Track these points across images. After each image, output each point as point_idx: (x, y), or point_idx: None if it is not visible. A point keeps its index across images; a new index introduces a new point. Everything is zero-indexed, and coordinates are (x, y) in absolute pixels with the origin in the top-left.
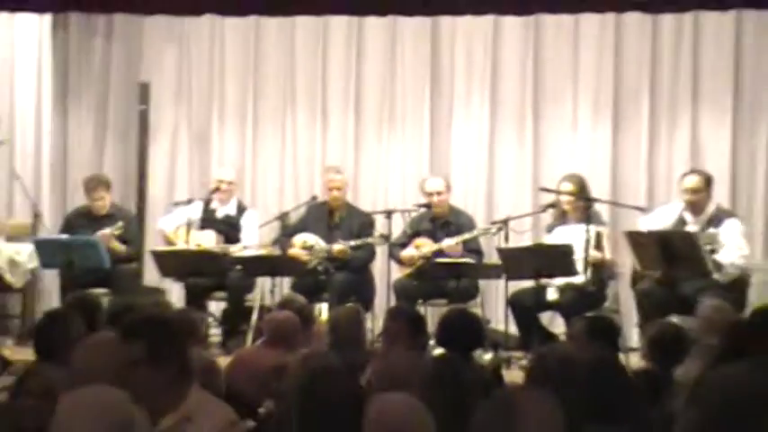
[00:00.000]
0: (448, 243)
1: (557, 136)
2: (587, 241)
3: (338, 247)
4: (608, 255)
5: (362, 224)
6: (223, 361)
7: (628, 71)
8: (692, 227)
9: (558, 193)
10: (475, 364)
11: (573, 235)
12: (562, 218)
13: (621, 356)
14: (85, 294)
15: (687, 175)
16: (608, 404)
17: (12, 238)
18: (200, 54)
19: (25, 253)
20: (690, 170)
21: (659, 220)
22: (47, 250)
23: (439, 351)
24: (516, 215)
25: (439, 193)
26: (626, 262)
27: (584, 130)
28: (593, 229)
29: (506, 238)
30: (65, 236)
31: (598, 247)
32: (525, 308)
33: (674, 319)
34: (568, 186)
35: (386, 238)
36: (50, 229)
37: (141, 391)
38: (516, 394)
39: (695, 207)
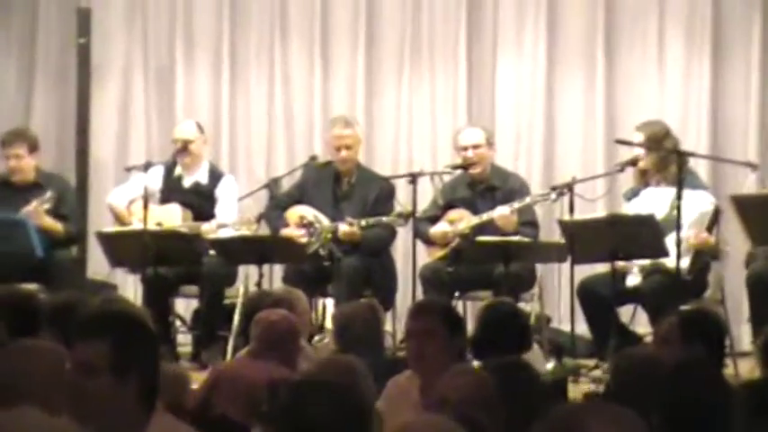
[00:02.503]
0: (500, 212)
1: (637, 75)
2: (704, 215)
3: (344, 228)
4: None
5: (379, 193)
6: (196, 377)
7: None
8: None
9: (634, 144)
10: (529, 376)
11: (659, 202)
12: (643, 180)
13: (728, 363)
14: (9, 290)
15: None
16: (705, 426)
17: None
18: None
19: None
20: None
21: None
22: None
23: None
24: (584, 177)
25: (476, 147)
26: (731, 238)
27: (674, 66)
28: (706, 197)
29: (571, 209)
30: None
31: (710, 227)
32: (599, 300)
33: None
34: (639, 137)
35: (406, 216)
36: None
37: (94, 413)
38: (582, 413)
39: None
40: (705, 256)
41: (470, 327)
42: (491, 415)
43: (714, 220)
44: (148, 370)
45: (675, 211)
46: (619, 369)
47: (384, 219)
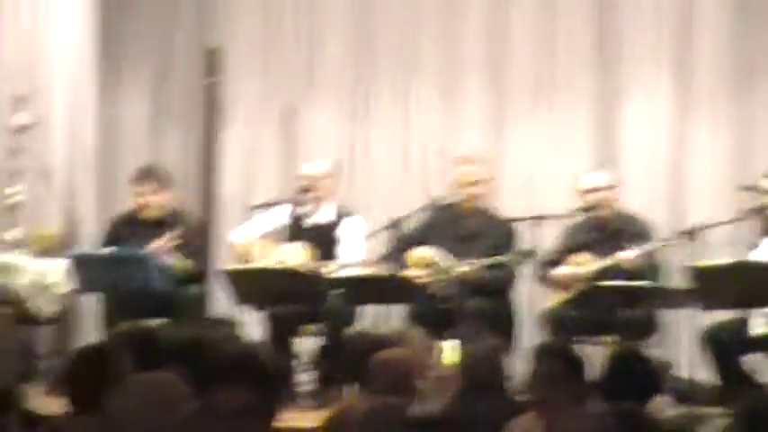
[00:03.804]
0: (625, 255)
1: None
2: None
3: (464, 268)
4: None
5: (502, 235)
6: (316, 416)
7: None
8: None
9: (760, 192)
10: (654, 423)
11: None
12: (765, 228)
13: None
14: (137, 325)
15: None
16: None
17: (40, 253)
18: (289, 10)
19: (57, 273)
20: None
21: None
22: (85, 269)
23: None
24: (711, 223)
25: (598, 190)
26: None
27: None
28: None
29: (695, 255)
30: (108, 249)
31: None
32: (725, 347)
33: None
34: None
35: (528, 254)
36: (91, 240)
37: None
38: None
39: None
40: None
41: (591, 371)
42: None
43: None
44: (277, 411)
45: None
46: (747, 414)
47: (503, 258)
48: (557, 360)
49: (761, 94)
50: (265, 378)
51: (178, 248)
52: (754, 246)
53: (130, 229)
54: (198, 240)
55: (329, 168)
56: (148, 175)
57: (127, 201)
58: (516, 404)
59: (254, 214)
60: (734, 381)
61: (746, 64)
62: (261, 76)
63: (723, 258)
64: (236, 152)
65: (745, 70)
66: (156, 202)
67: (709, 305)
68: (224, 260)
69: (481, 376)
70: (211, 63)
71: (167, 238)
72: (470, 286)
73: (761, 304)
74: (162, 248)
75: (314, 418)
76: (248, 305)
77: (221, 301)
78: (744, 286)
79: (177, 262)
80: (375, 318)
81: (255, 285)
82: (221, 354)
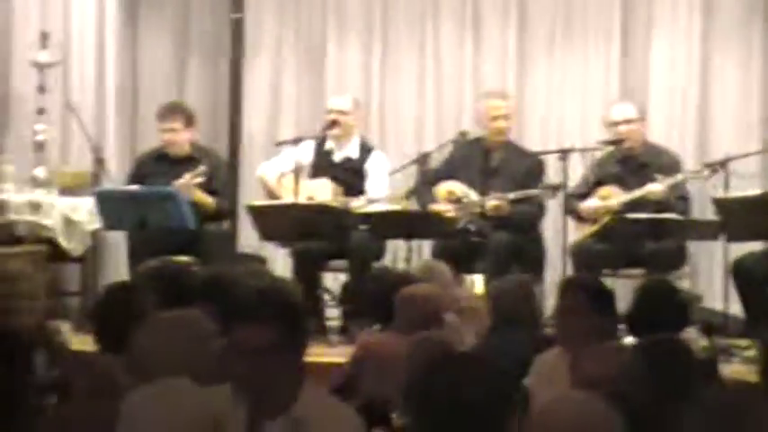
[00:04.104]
0: (652, 188)
1: None
2: None
3: (492, 202)
4: None
5: (529, 169)
6: (344, 352)
7: None
8: None
9: None
10: (686, 355)
11: None
12: None
13: None
14: (164, 263)
15: None
16: None
17: (67, 191)
18: None
19: (84, 210)
20: None
21: None
22: (112, 206)
23: (629, 339)
24: (738, 155)
25: (628, 122)
26: None
27: None
28: None
29: (726, 186)
30: (134, 187)
31: None
32: (754, 279)
33: None
34: None
35: (556, 187)
36: (116, 178)
37: (256, 388)
38: (744, 394)
39: None
40: None
41: (620, 304)
42: (641, 393)
43: None
44: (305, 347)
45: None
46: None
47: (531, 192)
48: (584, 293)
49: None
50: (291, 314)
51: (204, 185)
52: None
53: (157, 166)
54: (224, 177)
55: (355, 103)
56: (174, 111)
57: (152, 139)
58: (546, 339)
59: (280, 150)
60: (763, 312)
61: None
62: (285, 12)
63: (751, 190)
64: (261, 89)
65: None
66: (182, 138)
67: (736, 237)
68: (251, 196)
69: (512, 311)
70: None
71: (193, 174)
72: (498, 220)
73: None
74: (188, 185)
75: (341, 353)
76: (275, 241)
77: (248, 238)
78: None
79: (204, 198)
80: (403, 252)
81: (283, 221)
82: (247, 290)
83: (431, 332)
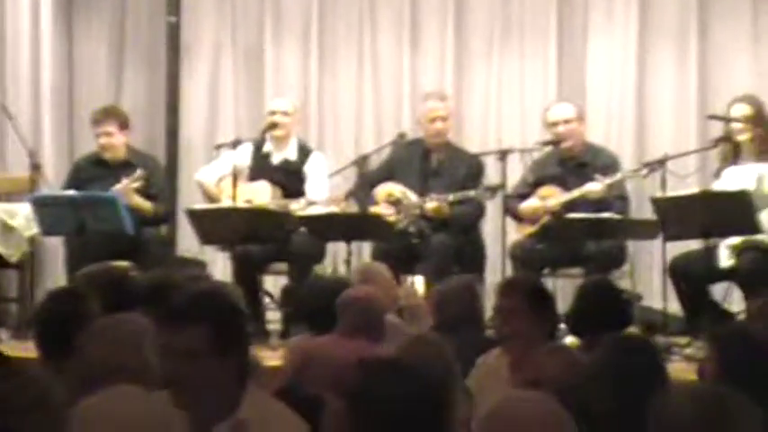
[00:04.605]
0: (591, 188)
1: (730, 50)
2: None
3: (432, 204)
4: None
5: (469, 170)
6: (284, 356)
7: None
8: None
9: (729, 120)
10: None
11: (751, 177)
12: (734, 156)
13: None
14: (104, 268)
15: None
16: None
17: (4, 196)
18: None
19: (22, 216)
20: None
21: None
22: (49, 212)
23: (570, 339)
24: (676, 154)
25: (567, 122)
26: None
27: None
28: None
29: (663, 185)
30: (72, 192)
31: None
32: (691, 278)
33: None
34: (743, 109)
35: (495, 188)
36: (53, 183)
37: (192, 395)
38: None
39: None
40: None
41: (561, 304)
42: (592, 393)
43: None
44: (243, 350)
45: (764, 186)
46: (718, 345)
47: (470, 193)
48: (523, 295)
49: (722, 27)
50: (227, 315)
51: (142, 190)
52: (718, 175)
53: (94, 170)
54: (162, 181)
55: (295, 105)
56: (108, 115)
57: (90, 143)
58: (489, 340)
59: (219, 153)
60: (702, 311)
61: None
62: (222, 15)
63: (689, 189)
64: (199, 92)
65: (706, 3)
66: (117, 142)
67: (674, 235)
68: (189, 200)
69: (456, 312)
70: (171, 2)
71: (131, 179)
72: (438, 222)
73: (724, 234)
74: (127, 189)
75: (281, 356)
76: (215, 245)
77: (187, 242)
78: (707, 216)
79: (142, 203)
80: (343, 255)
81: (222, 225)
82: (181, 293)
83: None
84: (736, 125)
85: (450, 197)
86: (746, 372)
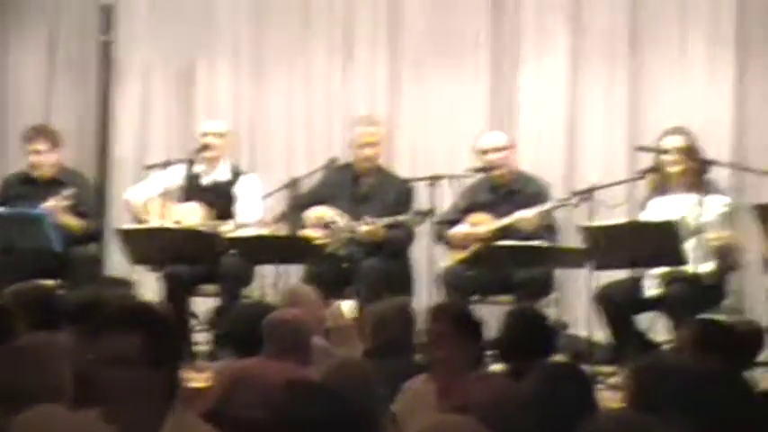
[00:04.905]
0: (521, 215)
1: (660, 82)
2: (723, 215)
3: (366, 227)
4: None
5: (399, 195)
6: (211, 377)
7: None
8: None
9: (660, 152)
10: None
11: (677, 208)
12: (662, 187)
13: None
14: (31, 286)
15: None
16: None
17: None
18: None
19: None
20: None
21: None
22: None
23: (498, 366)
24: (605, 184)
25: (497, 150)
26: (752, 247)
27: (697, 73)
28: (719, 199)
29: (591, 215)
30: (1, 208)
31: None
32: (617, 307)
33: None
34: (676, 141)
35: (426, 214)
36: None
37: (119, 405)
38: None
39: None
40: (727, 263)
41: (490, 331)
42: (520, 420)
43: (730, 220)
44: (175, 366)
45: (690, 218)
46: (639, 375)
47: (401, 218)
48: (451, 321)
49: (652, 57)
50: (160, 328)
51: (72, 208)
52: (644, 206)
53: (23, 188)
54: (92, 200)
55: (228, 127)
56: (39, 133)
57: (21, 160)
58: (420, 366)
59: (149, 174)
60: (628, 340)
61: (636, 26)
62: (155, 35)
63: (617, 218)
64: (131, 111)
65: (635, 33)
66: (48, 160)
67: (601, 265)
68: (119, 220)
69: (391, 336)
70: (106, 20)
71: (61, 197)
72: (368, 246)
73: (651, 264)
74: (56, 208)
75: (207, 378)
76: (144, 265)
77: (116, 262)
78: (634, 246)
79: (71, 221)
80: (272, 278)
81: (151, 245)
82: (121, 303)
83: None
84: (667, 156)
85: (380, 222)
86: (659, 402)
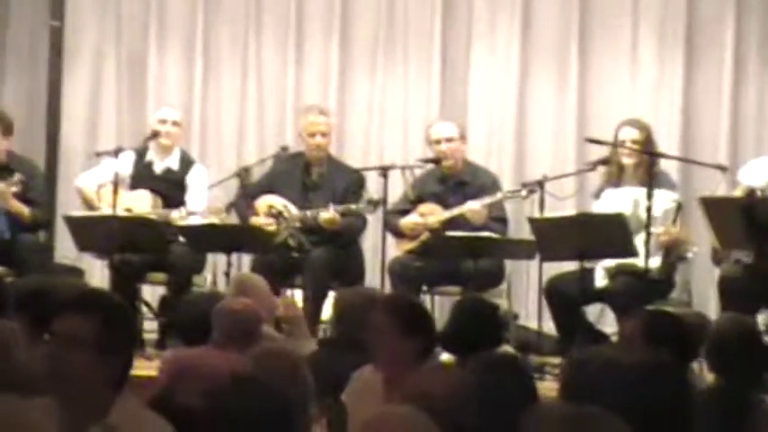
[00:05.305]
0: (470, 206)
1: (610, 75)
2: (668, 212)
3: (326, 214)
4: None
5: (349, 184)
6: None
7: None
8: None
9: (615, 145)
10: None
11: (629, 201)
12: (616, 178)
13: (696, 367)
14: None
15: None
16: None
17: None
18: None
19: None
20: None
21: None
22: None
23: (446, 356)
24: (555, 175)
25: (449, 140)
26: (699, 239)
27: (647, 67)
28: (666, 194)
29: (541, 206)
30: None
31: (674, 220)
32: (566, 299)
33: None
34: (632, 134)
35: (377, 203)
36: None
37: (69, 387)
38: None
39: None
40: (673, 256)
41: (439, 321)
42: (466, 411)
43: (677, 216)
44: (127, 352)
45: (640, 211)
46: (574, 367)
47: (353, 206)
48: (396, 312)
49: (602, 50)
50: (114, 312)
51: (20, 195)
52: (598, 196)
53: None
54: (40, 187)
55: (180, 115)
56: None
57: None
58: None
59: (99, 161)
60: (576, 331)
61: (587, 21)
62: (106, 21)
63: (567, 210)
64: (80, 98)
65: (586, 27)
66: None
67: (551, 256)
68: (68, 207)
69: (357, 324)
70: (55, 6)
71: (8, 183)
72: (318, 235)
73: (600, 256)
74: (3, 194)
75: (156, 366)
76: (93, 252)
77: (65, 249)
78: (584, 238)
79: (21, 208)
80: (223, 266)
81: (101, 233)
82: (77, 287)
83: (273, 344)
84: (622, 150)
85: (331, 209)
86: (587, 395)
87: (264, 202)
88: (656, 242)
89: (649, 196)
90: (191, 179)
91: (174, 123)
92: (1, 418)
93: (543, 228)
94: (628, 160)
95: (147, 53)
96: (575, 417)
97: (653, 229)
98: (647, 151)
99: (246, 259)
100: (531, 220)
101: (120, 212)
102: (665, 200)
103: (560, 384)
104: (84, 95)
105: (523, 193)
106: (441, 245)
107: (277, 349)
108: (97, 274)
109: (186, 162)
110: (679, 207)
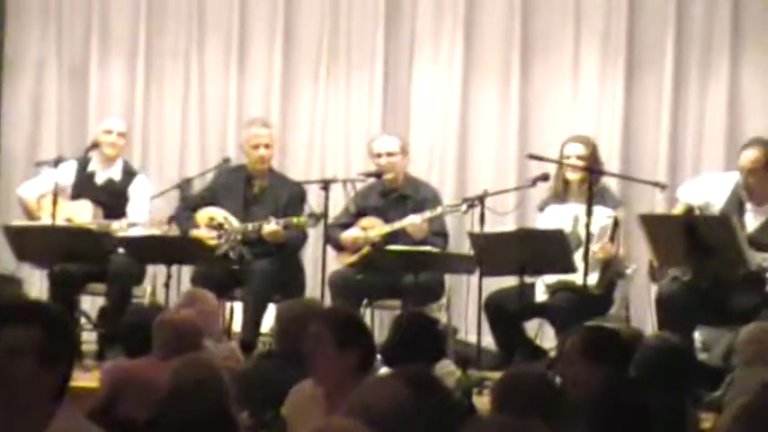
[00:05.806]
0: (411, 220)
1: (551, 91)
2: (604, 228)
3: (270, 227)
4: (621, 247)
5: (291, 197)
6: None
7: (647, 4)
8: (751, 217)
9: (556, 162)
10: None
11: (568, 217)
12: (562, 194)
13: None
14: None
15: (745, 149)
16: None
17: None
18: None
19: None
20: (750, 141)
21: (709, 190)
22: None
23: (384, 370)
24: (496, 191)
25: (390, 154)
26: (638, 256)
27: (588, 83)
28: (604, 211)
29: (482, 221)
30: None
31: (612, 237)
32: (505, 314)
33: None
34: (578, 149)
35: (318, 216)
36: None
37: (8, 398)
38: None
39: (755, 192)
40: (612, 272)
41: (378, 335)
42: (406, 425)
43: (614, 232)
44: (67, 364)
45: (579, 228)
46: (505, 384)
47: (294, 219)
48: (331, 326)
49: (544, 66)
50: (60, 327)
51: None
52: (542, 209)
53: None
54: None
55: (125, 126)
56: None
57: None
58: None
59: (40, 170)
60: (515, 346)
61: (529, 37)
62: (47, 30)
63: (507, 226)
64: (22, 107)
65: (528, 42)
66: None
67: (490, 271)
68: (8, 216)
69: (297, 337)
70: None
71: None
72: (259, 247)
73: (539, 272)
74: None
75: (97, 378)
76: (32, 262)
77: (3, 259)
78: (523, 253)
79: None
80: (163, 277)
81: (40, 242)
82: (17, 298)
83: (192, 355)
84: (567, 164)
85: (273, 221)
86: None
87: (206, 213)
88: (593, 259)
89: (589, 213)
90: (133, 190)
91: (120, 134)
92: None
93: (483, 242)
94: (573, 176)
95: (89, 63)
96: (511, 426)
97: (591, 246)
98: (587, 168)
99: (187, 271)
100: (472, 235)
101: (61, 222)
102: (602, 216)
103: (491, 400)
104: (25, 106)
105: (463, 207)
106: (381, 258)
107: (196, 360)
108: (36, 283)
109: (129, 173)
110: (616, 223)
